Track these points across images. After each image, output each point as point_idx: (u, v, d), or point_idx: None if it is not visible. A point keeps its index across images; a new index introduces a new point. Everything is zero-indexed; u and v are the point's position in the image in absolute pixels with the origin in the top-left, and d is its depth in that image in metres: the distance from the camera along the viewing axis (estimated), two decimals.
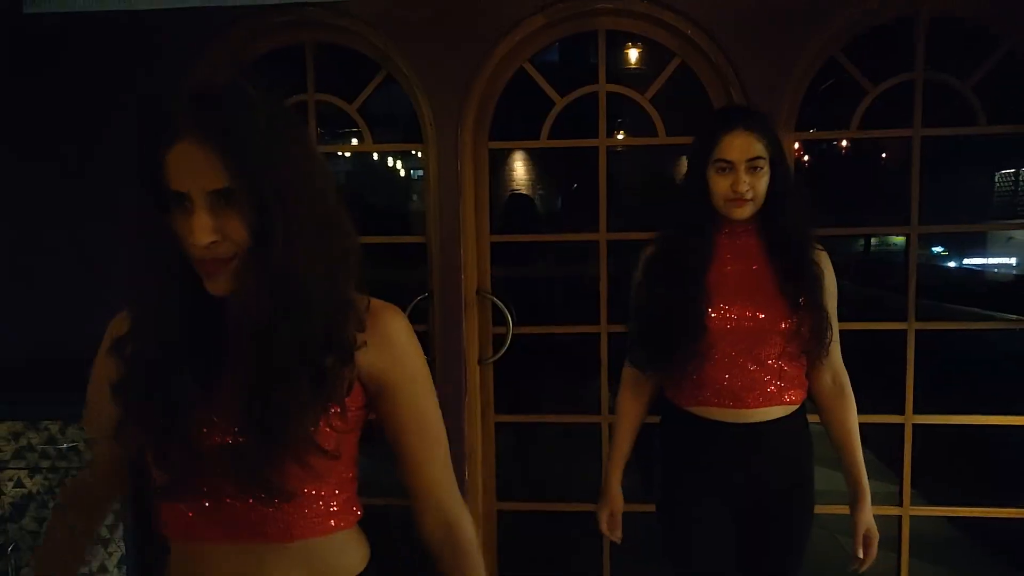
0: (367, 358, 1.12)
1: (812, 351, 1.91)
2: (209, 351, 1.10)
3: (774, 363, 1.89)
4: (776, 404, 1.92)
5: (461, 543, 1.25)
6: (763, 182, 1.84)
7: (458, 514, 1.26)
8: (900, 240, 14.81)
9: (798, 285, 1.88)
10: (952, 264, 13.34)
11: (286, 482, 1.06)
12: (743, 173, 1.82)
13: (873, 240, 14.81)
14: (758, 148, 1.83)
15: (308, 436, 1.05)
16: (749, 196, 1.83)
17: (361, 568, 1.21)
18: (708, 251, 1.91)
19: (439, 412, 1.25)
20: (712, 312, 1.87)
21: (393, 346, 1.16)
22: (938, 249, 14.36)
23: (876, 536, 2.06)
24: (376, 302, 1.17)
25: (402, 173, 9.58)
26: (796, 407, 1.97)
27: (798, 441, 2.01)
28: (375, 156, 10.41)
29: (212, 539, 1.12)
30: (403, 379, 1.18)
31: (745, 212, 1.86)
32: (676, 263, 1.90)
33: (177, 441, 1.07)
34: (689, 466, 2.02)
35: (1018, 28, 2.80)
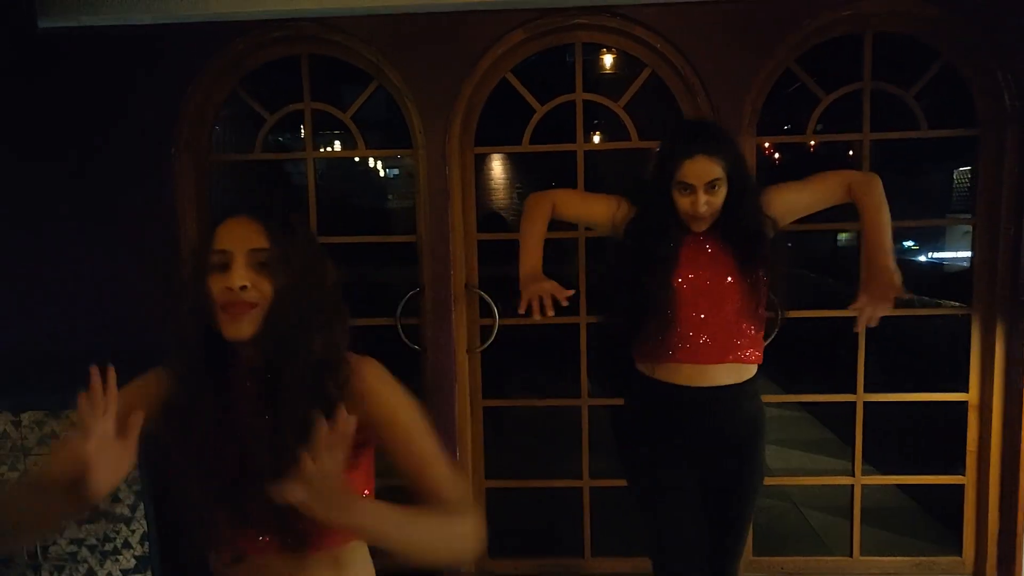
0: (353, 409, 1.21)
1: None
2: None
3: (735, 323, 2.15)
4: (738, 361, 2.17)
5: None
6: (720, 196, 2.09)
7: (461, 510, 1.37)
8: (844, 236, 15.26)
9: (754, 263, 2.13)
10: (922, 258, 13.77)
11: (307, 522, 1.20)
12: (702, 194, 2.05)
13: (843, 236, 15.26)
14: (716, 171, 2.05)
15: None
16: (706, 214, 2.08)
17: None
18: (675, 248, 2.15)
19: (429, 435, 1.38)
20: (679, 277, 2.13)
21: (371, 394, 1.35)
22: (909, 243, 14.82)
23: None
24: (353, 357, 1.38)
25: (381, 173, 9.82)
26: (755, 367, 2.23)
27: (754, 401, 2.27)
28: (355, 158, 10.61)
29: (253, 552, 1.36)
30: (386, 420, 1.36)
31: (703, 226, 2.12)
32: (647, 244, 2.15)
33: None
34: (654, 435, 2.26)
35: (951, 44, 3.09)
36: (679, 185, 2.08)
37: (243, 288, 1.26)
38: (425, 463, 1.36)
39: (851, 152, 3.35)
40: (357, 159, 10.63)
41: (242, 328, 1.28)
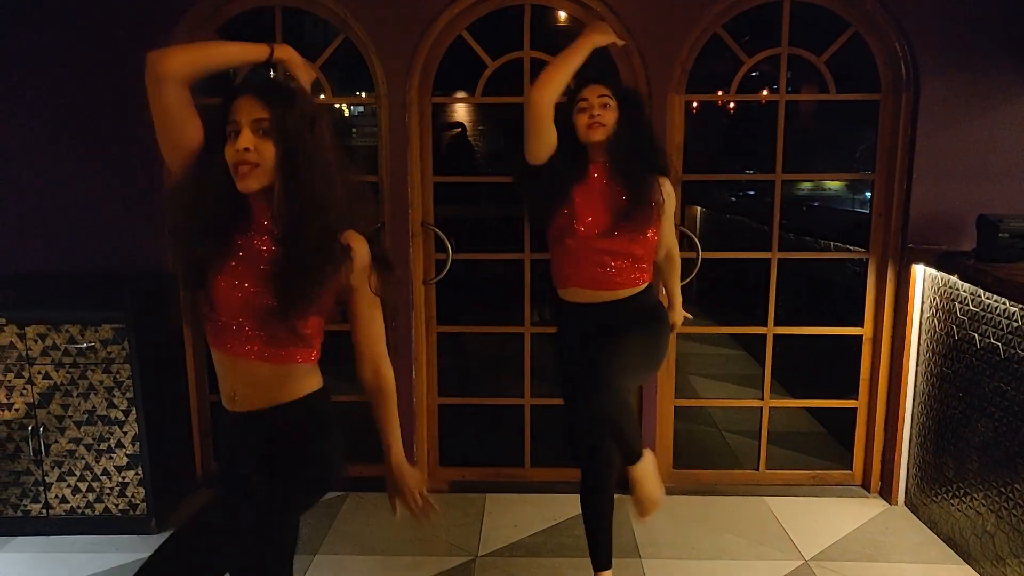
0: (347, 273, 1.74)
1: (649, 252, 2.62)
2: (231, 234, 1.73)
3: (623, 259, 2.56)
4: (628, 287, 2.58)
5: (384, 385, 1.95)
6: (611, 115, 2.50)
7: (384, 364, 1.93)
8: (835, 185, 15.73)
9: (639, 205, 2.52)
10: (861, 208, 14.38)
11: (286, 332, 1.71)
12: (596, 107, 2.48)
13: (807, 185, 15.76)
14: (605, 91, 2.50)
15: (309, 306, 1.70)
16: (601, 121, 2.48)
17: (316, 387, 1.86)
18: (579, 179, 2.55)
19: (378, 300, 1.87)
20: (579, 225, 2.53)
21: (360, 269, 1.79)
22: (869, 195, 15.41)
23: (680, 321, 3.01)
24: (347, 232, 1.78)
25: (346, 112, 10.23)
26: (644, 285, 2.63)
27: (649, 305, 2.67)
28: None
29: (235, 354, 1.75)
30: (361, 291, 1.82)
31: (599, 135, 2.49)
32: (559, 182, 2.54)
33: (212, 288, 1.71)
34: (561, 337, 2.74)
35: (860, 15, 3.45)
36: (578, 105, 2.51)
37: (246, 150, 1.63)
38: (375, 337, 1.90)
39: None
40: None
41: (249, 183, 1.65)
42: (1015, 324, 2.84)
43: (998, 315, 2.94)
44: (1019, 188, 3.45)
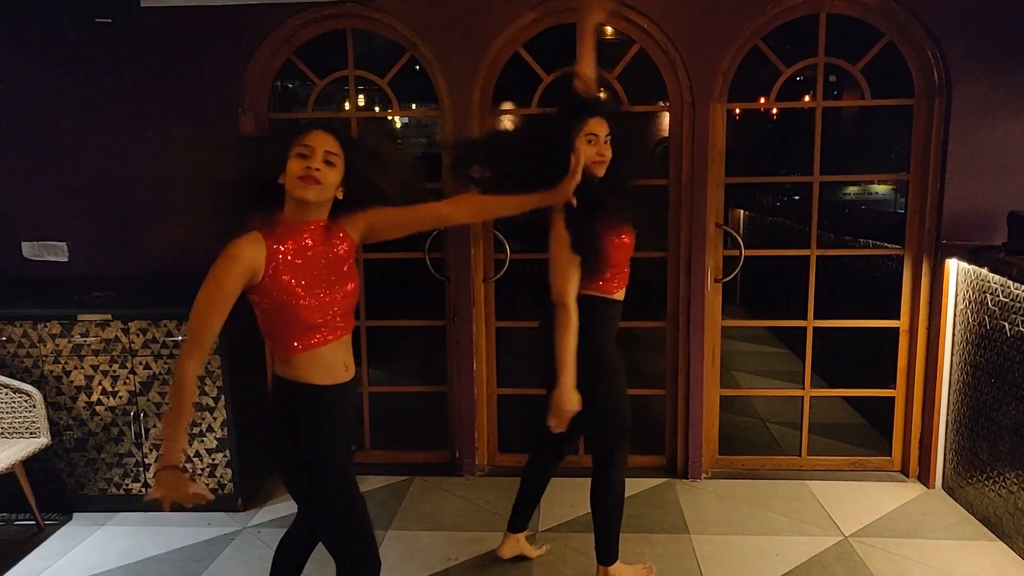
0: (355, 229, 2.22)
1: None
2: None
3: None
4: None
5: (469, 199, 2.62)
6: (609, 153, 2.66)
7: (450, 203, 2.44)
8: (883, 189, 15.79)
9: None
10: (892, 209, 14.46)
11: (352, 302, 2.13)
12: (603, 145, 2.65)
13: (853, 189, 15.86)
14: (607, 128, 2.65)
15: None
16: (606, 159, 2.64)
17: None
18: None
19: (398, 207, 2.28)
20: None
21: (364, 217, 2.22)
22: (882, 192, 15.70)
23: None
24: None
25: (397, 124, 10.98)
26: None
27: None
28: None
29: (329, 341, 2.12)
30: (375, 212, 2.24)
31: (602, 170, 2.66)
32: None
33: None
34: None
35: (893, 25, 3.67)
36: (587, 137, 2.61)
37: (317, 170, 2.01)
38: (424, 210, 2.35)
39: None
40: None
41: (309, 192, 2.02)
42: None
43: None
44: None
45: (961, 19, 3.55)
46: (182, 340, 3.51)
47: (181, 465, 2.00)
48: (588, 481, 2.95)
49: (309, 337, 2.08)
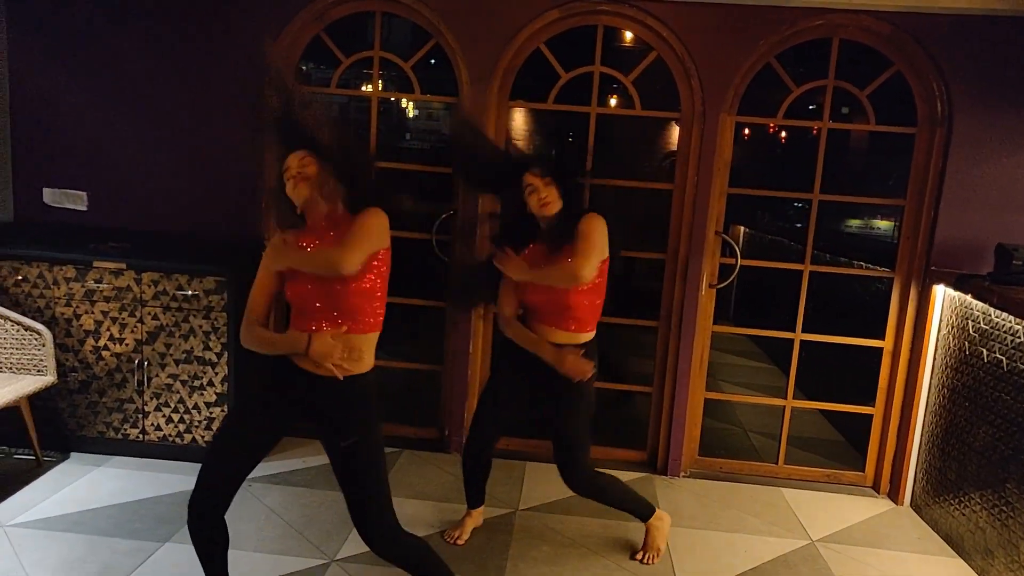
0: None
1: None
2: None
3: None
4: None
5: None
6: (554, 191, 2.89)
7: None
8: (885, 224, 16.01)
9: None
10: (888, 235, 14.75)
11: (348, 299, 2.26)
12: (542, 189, 2.88)
13: (855, 223, 16.10)
14: (545, 174, 2.90)
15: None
16: (549, 200, 2.88)
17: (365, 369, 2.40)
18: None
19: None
20: None
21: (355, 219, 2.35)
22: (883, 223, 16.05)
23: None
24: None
25: (408, 114, 11.23)
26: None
27: None
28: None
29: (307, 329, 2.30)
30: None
31: (550, 211, 2.90)
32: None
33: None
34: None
35: (902, 56, 3.80)
36: (527, 189, 2.91)
37: (296, 177, 2.32)
38: None
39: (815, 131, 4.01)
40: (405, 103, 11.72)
41: (300, 192, 2.32)
42: (1018, 340, 3.16)
43: (1004, 332, 3.26)
44: None
45: (968, 55, 3.69)
46: (191, 294, 3.67)
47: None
48: None
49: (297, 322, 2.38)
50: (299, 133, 2.33)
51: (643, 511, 3.29)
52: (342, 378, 2.30)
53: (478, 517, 3.45)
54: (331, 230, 2.36)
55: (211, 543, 2.41)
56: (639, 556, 3.27)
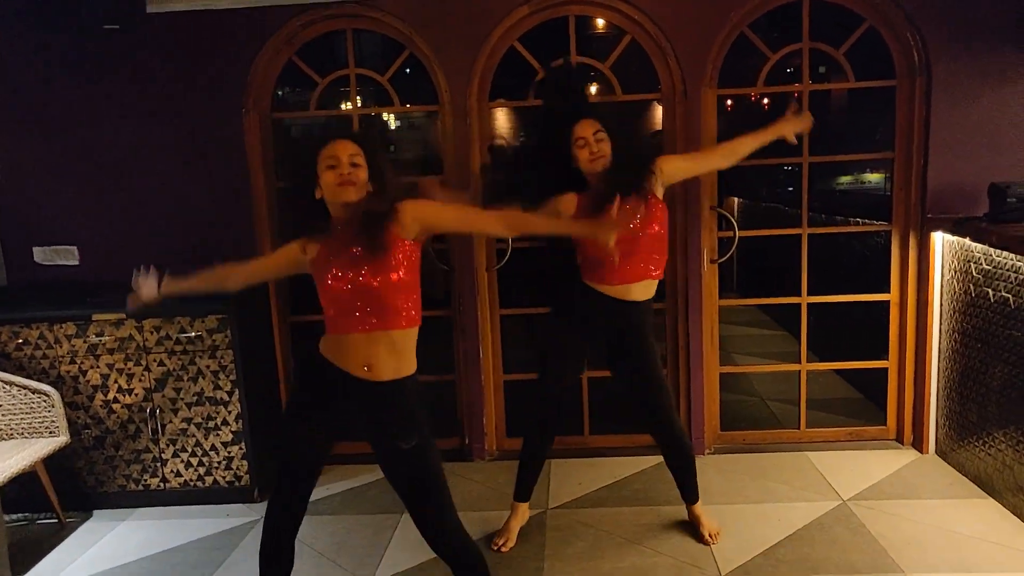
0: (404, 224, 2.29)
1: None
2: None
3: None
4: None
5: (509, 218, 2.57)
6: (607, 146, 2.84)
7: (497, 221, 2.56)
8: (875, 177, 16.08)
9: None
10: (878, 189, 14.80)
11: (387, 296, 2.24)
12: (593, 144, 2.83)
13: (846, 179, 16.16)
14: (598, 124, 2.83)
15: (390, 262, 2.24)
16: (601, 155, 2.83)
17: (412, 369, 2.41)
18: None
19: (461, 206, 2.63)
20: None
21: (416, 209, 2.32)
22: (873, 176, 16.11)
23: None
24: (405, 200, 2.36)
25: (391, 125, 10.99)
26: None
27: None
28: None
29: (350, 332, 2.29)
30: (430, 213, 2.37)
31: (598, 166, 2.84)
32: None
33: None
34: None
35: (873, 10, 3.81)
36: (578, 143, 2.84)
37: (348, 174, 2.25)
38: (472, 218, 2.59)
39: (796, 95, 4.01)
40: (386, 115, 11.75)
41: (351, 193, 2.26)
42: (1022, 276, 3.17)
43: (1007, 270, 3.27)
44: None
45: (938, 2, 3.70)
46: (195, 335, 3.63)
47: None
48: (595, 461, 3.12)
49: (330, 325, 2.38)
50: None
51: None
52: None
53: (524, 515, 3.40)
54: (355, 238, 2.30)
55: (276, 564, 2.52)
56: (706, 538, 3.25)
